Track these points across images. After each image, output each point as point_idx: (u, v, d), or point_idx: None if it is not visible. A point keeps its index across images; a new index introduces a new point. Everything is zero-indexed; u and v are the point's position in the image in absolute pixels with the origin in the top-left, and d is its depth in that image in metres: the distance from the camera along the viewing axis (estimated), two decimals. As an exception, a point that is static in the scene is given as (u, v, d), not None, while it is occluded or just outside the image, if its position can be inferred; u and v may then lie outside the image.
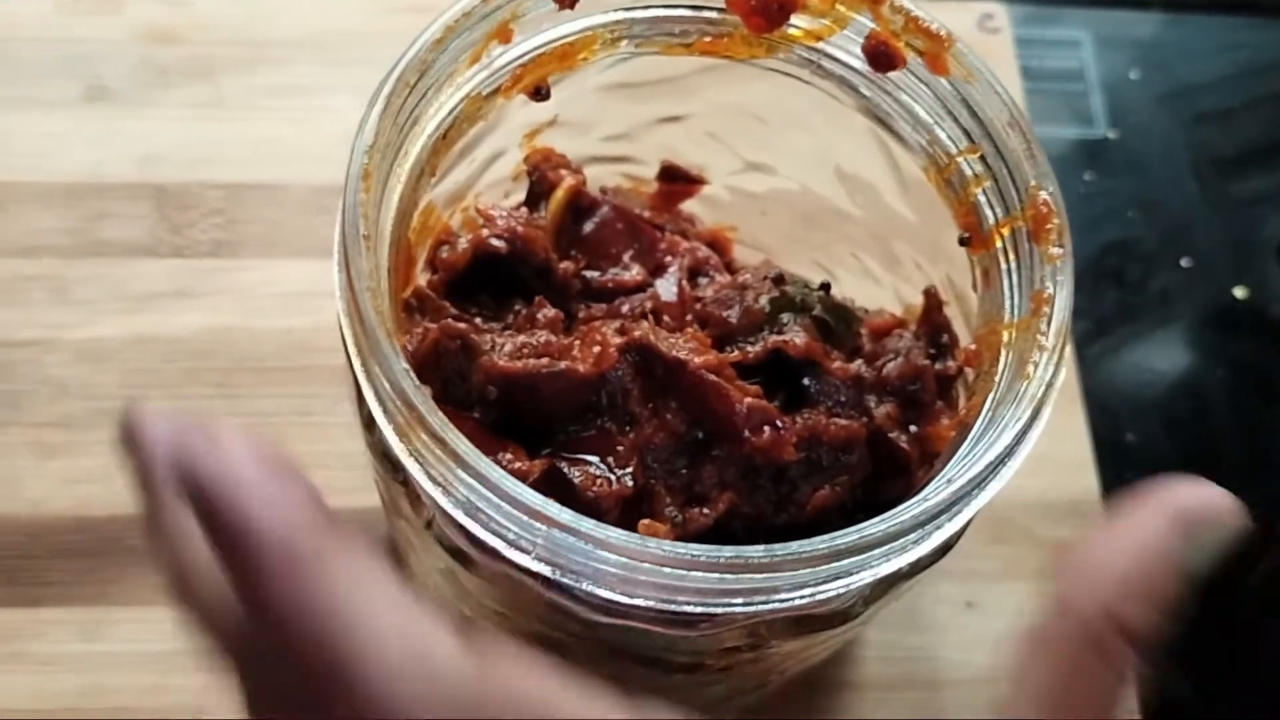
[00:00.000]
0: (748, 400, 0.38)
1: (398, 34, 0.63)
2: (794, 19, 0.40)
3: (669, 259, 0.44)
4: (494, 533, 0.32)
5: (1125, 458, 0.61)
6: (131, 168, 0.59)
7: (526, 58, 0.40)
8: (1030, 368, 0.34)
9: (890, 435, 0.40)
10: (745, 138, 0.46)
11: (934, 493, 0.33)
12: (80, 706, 0.50)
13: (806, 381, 0.40)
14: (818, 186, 0.46)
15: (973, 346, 0.39)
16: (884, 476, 0.40)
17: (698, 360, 0.38)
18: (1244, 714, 0.58)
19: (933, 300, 0.43)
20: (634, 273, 0.43)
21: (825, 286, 0.43)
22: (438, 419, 0.32)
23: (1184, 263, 0.67)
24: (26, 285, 0.57)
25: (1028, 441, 0.34)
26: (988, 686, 0.52)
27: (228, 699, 0.49)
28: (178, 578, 0.31)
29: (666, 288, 0.43)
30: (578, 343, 0.39)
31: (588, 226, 0.43)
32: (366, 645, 0.29)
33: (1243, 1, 0.76)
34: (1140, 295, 0.66)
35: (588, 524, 0.31)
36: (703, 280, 0.44)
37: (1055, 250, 0.36)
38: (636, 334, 0.39)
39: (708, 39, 0.41)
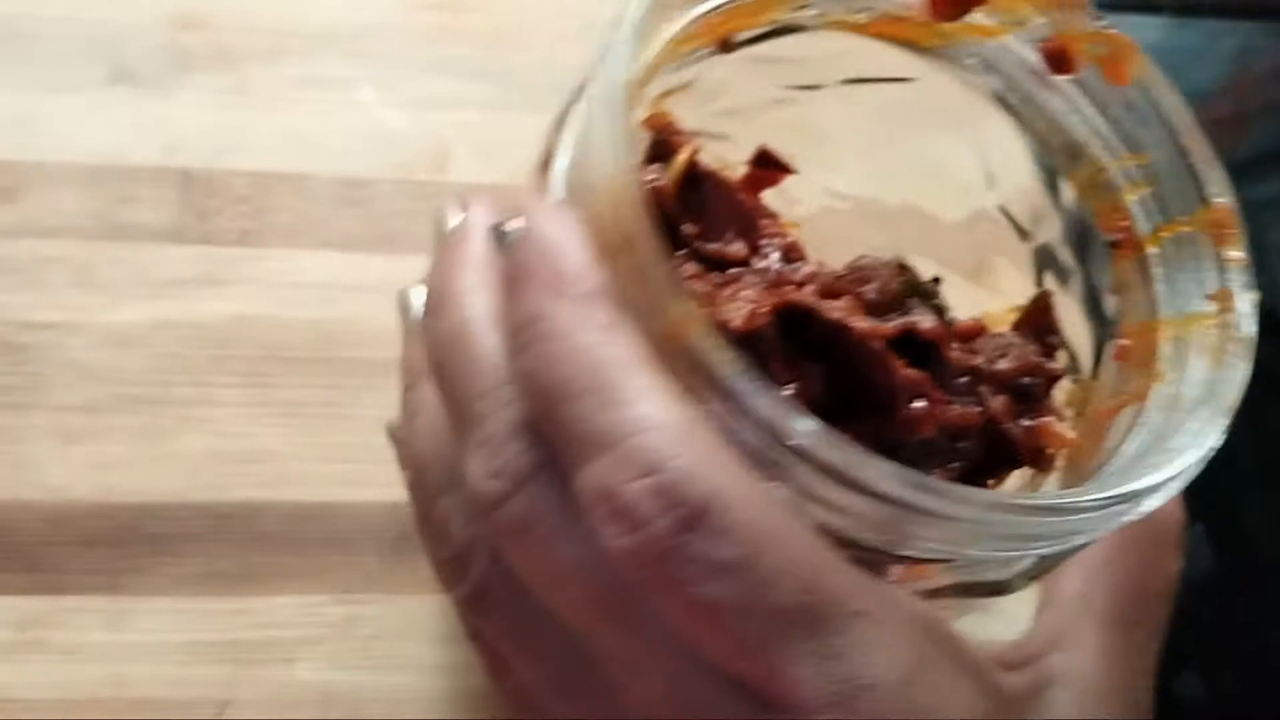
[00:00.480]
0: (909, 371, 0.38)
1: (422, 31, 0.64)
2: (976, 13, 0.40)
3: (763, 241, 0.43)
4: None
5: (1142, 460, 0.61)
6: (156, 152, 0.58)
7: (727, 6, 0.39)
8: (1227, 358, 0.36)
9: (1005, 426, 0.40)
10: (854, 132, 0.46)
11: (1159, 466, 0.34)
12: (103, 697, 0.49)
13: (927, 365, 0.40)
14: (911, 190, 0.46)
15: (1126, 342, 0.40)
16: (988, 468, 0.41)
17: (862, 326, 0.38)
18: (1254, 713, 0.58)
19: (1043, 303, 0.43)
20: (738, 247, 0.43)
21: (936, 280, 0.43)
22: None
23: (1198, 268, 0.68)
24: (49, 267, 0.56)
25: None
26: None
27: (253, 692, 0.50)
28: (457, 327, 0.34)
29: (770, 266, 0.42)
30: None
31: (698, 196, 0.43)
32: (636, 393, 0.29)
33: (1254, 7, 0.76)
34: (1154, 299, 0.66)
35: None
36: (789, 267, 0.44)
37: (1236, 254, 0.38)
38: (793, 295, 0.38)
39: (884, 19, 0.41)
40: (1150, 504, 0.34)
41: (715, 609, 0.28)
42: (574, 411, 0.30)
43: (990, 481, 0.41)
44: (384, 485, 0.53)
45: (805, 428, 0.30)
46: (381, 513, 0.53)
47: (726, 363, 0.30)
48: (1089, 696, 0.34)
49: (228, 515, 0.53)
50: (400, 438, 0.40)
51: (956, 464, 0.40)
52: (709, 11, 0.39)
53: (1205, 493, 0.61)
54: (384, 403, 0.55)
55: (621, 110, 0.32)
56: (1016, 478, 0.42)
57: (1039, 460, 0.41)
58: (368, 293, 0.57)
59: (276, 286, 0.57)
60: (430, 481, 0.36)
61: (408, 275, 0.57)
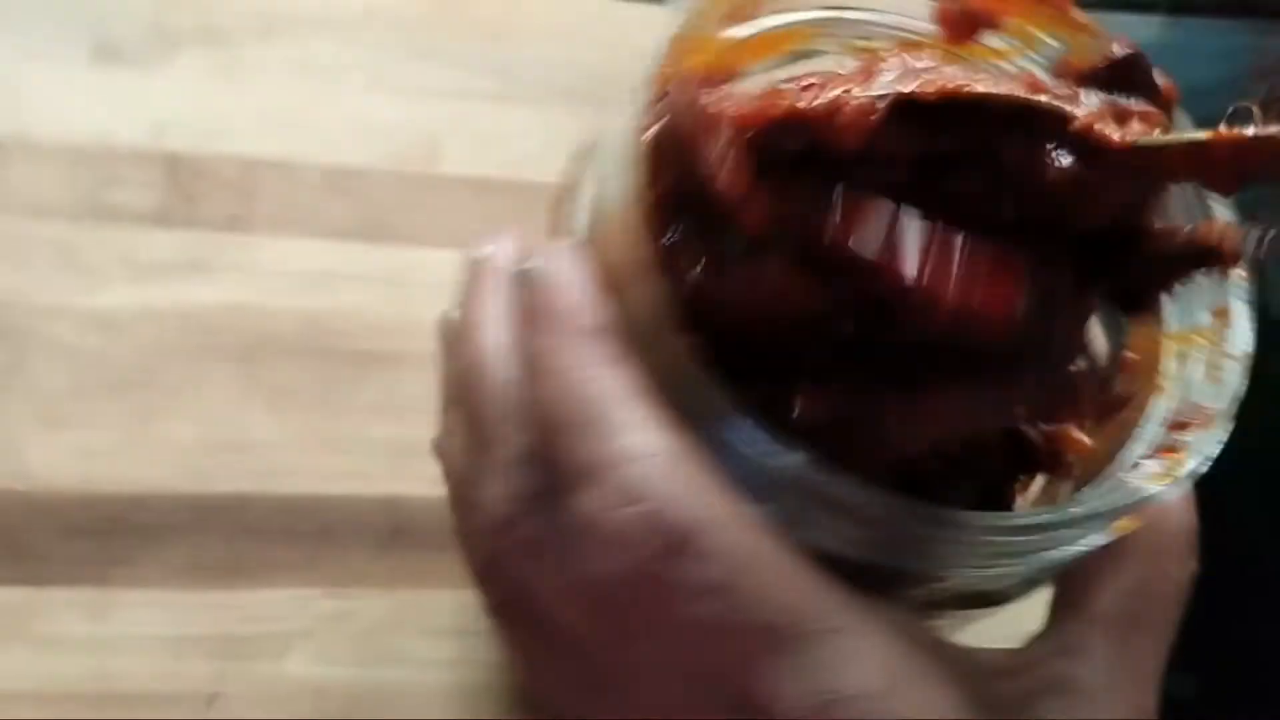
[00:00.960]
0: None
1: (416, 20, 0.63)
2: (989, 36, 0.40)
3: None
4: None
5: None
6: (143, 133, 0.57)
7: (747, 39, 0.40)
8: (1221, 374, 0.36)
9: (1026, 432, 0.41)
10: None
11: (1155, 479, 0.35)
12: (87, 690, 0.48)
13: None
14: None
15: (1133, 355, 0.40)
16: (1011, 473, 0.41)
17: None
18: (1246, 714, 0.59)
19: None
20: None
21: None
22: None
23: (1189, 266, 0.68)
24: (32, 247, 0.54)
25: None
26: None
27: (243, 686, 0.49)
28: (475, 358, 0.35)
29: None
30: None
31: None
32: (625, 425, 0.31)
33: (1246, 6, 0.76)
34: (1145, 297, 0.66)
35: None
36: None
37: (1239, 272, 0.37)
38: None
39: (901, 45, 0.41)
40: (1124, 522, 0.34)
41: (701, 627, 0.31)
42: (568, 442, 0.32)
43: (1018, 484, 0.42)
44: (375, 478, 0.53)
45: (790, 460, 0.31)
46: (373, 507, 0.52)
47: (713, 398, 0.31)
48: (1091, 702, 0.34)
49: (216, 506, 0.52)
50: (440, 453, 0.41)
51: (979, 477, 0.40)
52: (731, 46, 0.39)
53: (1197, 489, 0.61)
54: (376, 395, 0.54)
55: (629, 162, 0.33)
56: (1039, 481, 0.42)
57: (1057, 466, 0.41)
58: (359, 283, 0.56)
59: (265, 274, 0.55)
60: (461, 497, 0.38)
61: (398, 266, 0.57)
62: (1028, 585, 0.37)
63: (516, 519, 0.33)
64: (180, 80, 0.59)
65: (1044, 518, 0.33)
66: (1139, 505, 0.34)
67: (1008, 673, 0.34)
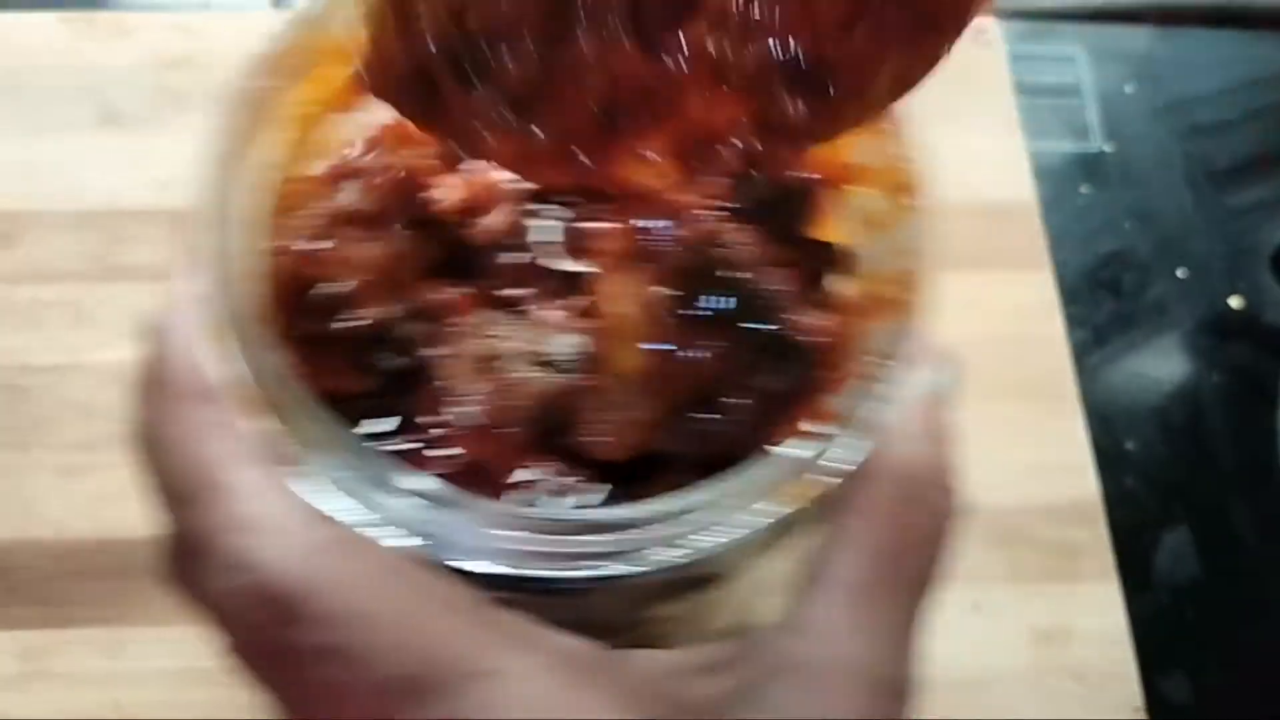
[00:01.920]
0: None
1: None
2: None
3: None
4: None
5: (1124, 463, 0.62)
6: (147, 193, 0.60)
7: None
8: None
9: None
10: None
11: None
12: (103, 723, 0.52)
13: None
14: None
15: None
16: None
17: None
18: (1241, 715, 0.58)
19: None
20: None
21: None
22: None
23: (1180, 273, 0.68)
24: (48, 310, 0.58)
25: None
26: (994, 687, 0.54)
27: (246, 711, 0.51)
28: (132, 420, 0.34)
29: None
30: None
31: None
32: (230, 493, 0.30)
33: (1236, 16, 0.77)
34: (1137, 305, 0.67)
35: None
36: None
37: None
38: None
39: None
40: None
41: (332, 689, 0.29)
42: (182, 514, 0.31)
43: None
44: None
45: (417, 486, 0.30)
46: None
47: (335, 437, 0.31)
48: (819, 679, 0.32)
49: (221, 543, 0.54)
50: None
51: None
52: None
53: (1190, 495, 0.62)
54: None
55: (219, 184, 0.33)
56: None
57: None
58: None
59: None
60: None
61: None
62: (733, 566, 0.35)
63: (171, 581, 0.33)
64: (182, 138, 0.61)
65: (644, 510, 0.31)
66: (760, 475, 0.31)
67: (717, 668, 0.32)
